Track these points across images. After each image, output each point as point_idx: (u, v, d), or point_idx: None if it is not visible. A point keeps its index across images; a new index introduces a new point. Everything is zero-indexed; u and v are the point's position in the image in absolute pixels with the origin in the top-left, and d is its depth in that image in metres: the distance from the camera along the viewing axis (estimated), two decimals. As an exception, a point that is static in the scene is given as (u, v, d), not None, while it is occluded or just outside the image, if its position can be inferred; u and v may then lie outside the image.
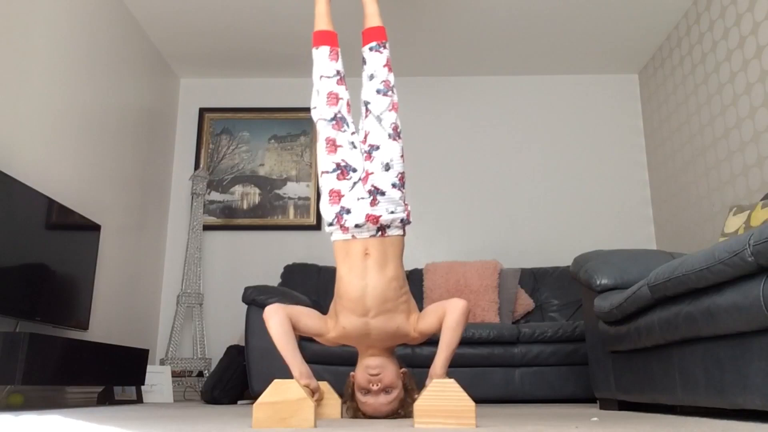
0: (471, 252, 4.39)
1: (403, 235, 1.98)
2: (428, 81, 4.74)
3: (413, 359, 3.25)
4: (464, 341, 3.27)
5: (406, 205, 1.98)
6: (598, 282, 2.45)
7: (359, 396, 1.87)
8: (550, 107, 4.68)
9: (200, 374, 3.99)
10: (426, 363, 2.04)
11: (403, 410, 1.87)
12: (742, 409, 2.10)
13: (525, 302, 3.90)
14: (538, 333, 3.31)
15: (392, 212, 1.92)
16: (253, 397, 3.20)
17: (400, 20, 4.01)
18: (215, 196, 4.55)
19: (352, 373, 1.93)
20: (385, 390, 1.84)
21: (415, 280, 3.94)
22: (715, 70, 3.59)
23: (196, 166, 4.59)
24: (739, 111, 3.35)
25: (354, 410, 1.91)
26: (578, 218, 4.46)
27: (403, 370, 1.92)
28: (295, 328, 1.90)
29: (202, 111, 4.70)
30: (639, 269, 2.39)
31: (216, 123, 4.69)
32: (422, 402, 1.58)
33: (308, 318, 1.95)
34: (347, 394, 1.94)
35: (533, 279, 4.05)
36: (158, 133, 4.37)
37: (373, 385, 1.83)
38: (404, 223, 1.96)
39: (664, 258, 2.42)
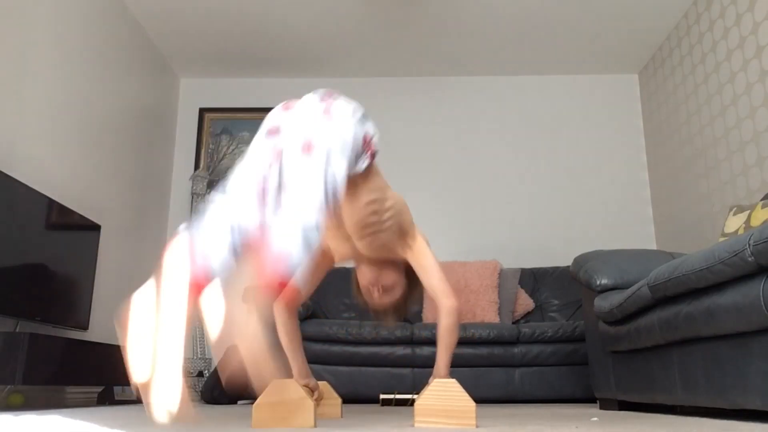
0: (471, 252, 4.38)
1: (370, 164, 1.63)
2: (428, 81, 4.74)
3: (414, 359, 3.25)
4: (464, 341, 3.27)
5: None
6: (598, 282, 2.45)
7: (364, 294, 1.89)
8: (550, 107, 4.68)
9: (200, 374, 3.99)
10: (427, 363, 2.04)
11: (412, 297, 1.89)
12: (742, 409, 2.10)
13: (525, 302, 3.90)
14: (538, 333, 3.31)
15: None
16: (253, 397, 3.19)
17: (400, 20, 4.01)
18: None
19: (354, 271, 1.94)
20: (386, 290, 1.85)
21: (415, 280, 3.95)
22: (715, 70, 3.59)
23: (196, 166, 4.59)
24: (739, 111, 3.35)
25: (363, 303, 1.93)
26: (578, 218, 4.46)
27: (401, 260, 1.88)
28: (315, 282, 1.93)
29: (202, 111, 4.70)
30: (639, 269, 2.39)
31: (216, 123, 4.69)
32: (422, 402, 1.58)
33: (311, 276, 1.92)
34: (354, 288, 1.95)
35: (533, 279, 4.05)
36: (158, 133, 4.37)
37: (374, 289, 1.83)
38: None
39: (664, 258, 2.42)
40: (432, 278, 1.87)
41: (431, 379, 1.83)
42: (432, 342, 3.24)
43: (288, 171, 1.39)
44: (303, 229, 1.26)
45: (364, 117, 1.57)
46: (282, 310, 1.89)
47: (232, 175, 1.44)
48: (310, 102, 1.54)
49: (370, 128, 1.58)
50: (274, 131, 1.51)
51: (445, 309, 1.86)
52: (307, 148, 1.40)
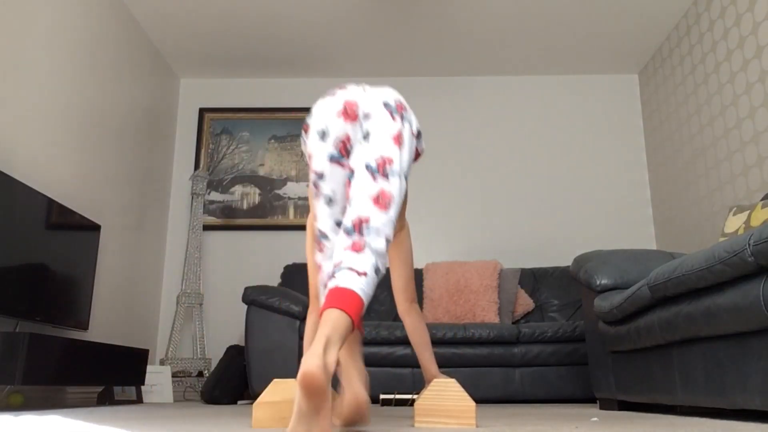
0: (471, 252, 4.39)
1: None
2: (428, 81, 4.74)
3: (414, 359, 3.25)
4: (464, 341, 3.28)
5: None
6: (598, 282, 2.45)
7: None
8: (550, 107, 4.68)
9: (200, 374, 3.99)
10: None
11: None
12: (742, 409, 2.11)
13: (525, 302, 3.90)
14: (538, 333, 3.31)
15: None
16: (253, 397, 3.20)
17: (400, 21, 4.01)
18: (215, 196, 4.55)
19: None
20: None
21: (415, 280, 3.95)
22: (715, 70, 3.59)
23: (196, 166, 4.59)
24: (739, 111, 3.35)
25: None
26: (578, 218, 4.46)
27: None
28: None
29: (202, 111, 4.70)
30: (639, 269, 2.39)
31: (216, 123, 4.69)
32: (422, 402, 1.58)
33: None
34: None
35: (533, 279, 4.05)
36: (158, 133, 4.37)
37: None
38: None
39: (664, 258, 2.42)
40: (402, 276, 1.93)
41: (427, 381, 1.84)
42: (432, 341, 3.24)
43: (360, 192, 1.44)
44: (377, 255, 1.36)
45: (420, 133, 1.65)
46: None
47: (319, 212, 1.59)
48: (385, 119, 1.53)
49: (422, 144, 1.70)
50: (341, 146, 1.55)
51: (405, 310, 1.92)
52: (383, 171, 1.46)
